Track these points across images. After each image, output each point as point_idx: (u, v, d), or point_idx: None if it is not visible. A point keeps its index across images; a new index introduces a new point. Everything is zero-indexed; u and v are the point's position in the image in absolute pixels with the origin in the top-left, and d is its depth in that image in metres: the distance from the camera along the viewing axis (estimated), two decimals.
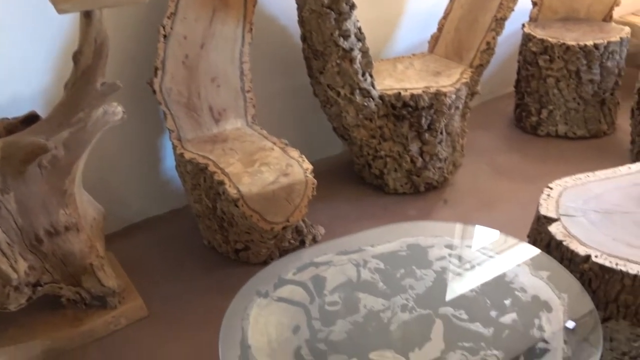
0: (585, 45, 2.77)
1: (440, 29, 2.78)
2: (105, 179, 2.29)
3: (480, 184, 2.67)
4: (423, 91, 2.36)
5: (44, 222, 1.74)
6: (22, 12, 1.92)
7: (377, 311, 1.38)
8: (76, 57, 1.65)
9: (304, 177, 2.02)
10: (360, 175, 2.70)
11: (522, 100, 3.06)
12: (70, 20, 1.99)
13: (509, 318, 1.35)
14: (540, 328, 1.31)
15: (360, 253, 1.59)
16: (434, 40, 2.80)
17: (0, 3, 1.87)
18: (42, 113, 1.83)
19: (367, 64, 2.28)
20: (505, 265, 1.52)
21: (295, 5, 2.25)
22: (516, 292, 1.42)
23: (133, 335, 1.92)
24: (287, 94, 2.64)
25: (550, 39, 2.82)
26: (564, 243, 1.52)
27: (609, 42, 2.79)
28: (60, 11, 1.49)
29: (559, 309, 1.36)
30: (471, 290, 1.44)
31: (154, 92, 2.12)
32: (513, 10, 2.50)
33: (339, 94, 2.33)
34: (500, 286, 1.45)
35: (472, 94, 2.60)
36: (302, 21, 2.26)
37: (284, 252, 2.19)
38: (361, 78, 2.27)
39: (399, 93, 2.35)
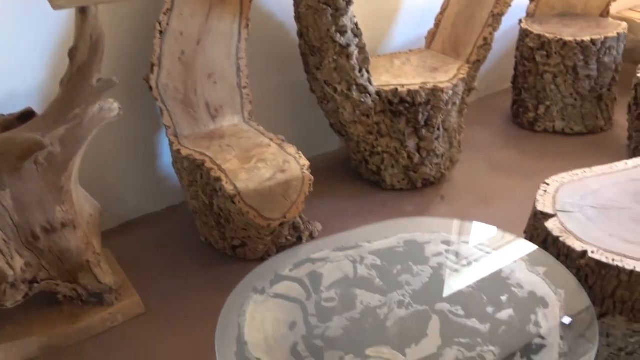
0: (583, 41, 2.77)
1: (437, 24, 2.78)
2: (101, 176, 2.28)
3: (477, 180, 2.67)
4: (420, 87, 2.35)
5: (40, 219, 1.74)
6: (18, 8, 1.91)
7: (373, 307, 1.38)
8: (72, 53, 1.64)
9: (301, 174, 2.02)
10: (357, 172, 2.70)
11: (519, 96, 3.06)
12: (65, 17, 1.99)
13: (505, 314, 1.35)
14: (537, 324, 1.32)
15: (357, 249, 1.59)
16: (431, 36, 2.80)
17: None
18: (38, 109, 1.83)
19: (364, 60, 2.28)
20: (502, 261, 1.52)
21: (291, 1, 2.25)
22: (513, 288, 1.42)
23: (130, 331, 1.92)
24: (284, 90, 2.64)
25: (547, 35, 2.82)
26: (561, 239, 1.52)
27: (606, 38, 2.79)
28: (55, 7, 1.48)
29: (556, 304, 1.36)
30: (468, 286, 1.44)
31: (150, 88, 2.11)
32: (510, 5, 2.50)
33: (335, 90, 2.32)
34: (496, 282, 1.45)
35: (469, 89, 2.60)
36: (298, 17, 2.26)
37: (281, 249, 2.19)
38: (358, 74, 2.27)
39: (396, 89, 2.35)
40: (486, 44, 2.54)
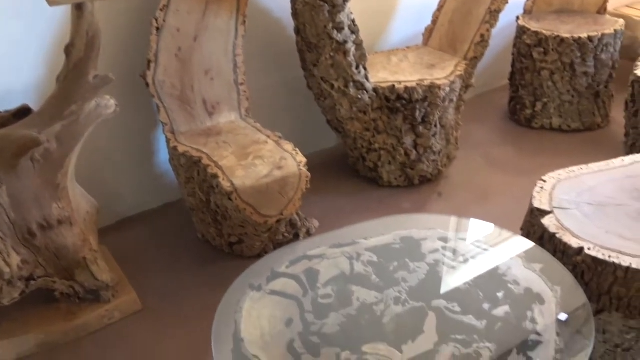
0: (580, 38, 2.77)
1: (434, 21, 2.78)
2: (98, 173, 2.28)
3: (474, 177, 2.68)
4: (417, 84, 2.35)
5: (37, 216, 1.73)
6: (14, 4, 1.91)
7: (370, 304, 1.38)
8: (68, 50, 1.64)
9: (298, 170, 2.02)
10: (354, 168, 2.70)
11: (517, 93, 3.06)
12: (62, 13, 1.98)
13: (501, 311, 1.35)
14: (533, 320, 1.32)
15: (354, 246, 1.59)
16: (428, 32, 2.80)
17: None
18: (35, 106, 1.82)
19: (361, 57, 2.28)
20: (499, 258, 1.53)
21: None
22: (509, 285, 1.43)
23: (127, 329, 1.91)
24: (281, 87, 2.64)
25: (544, 32, 2.82)
26: (557, 235, 1.52)
27: (603, 35, 2.79)
28: (51, 3, 1.48)
29: (552, 301, 1.36)
30: (464, 283, 1.44)
31: (147, 85, 2.11)
32: (507, 2, 2.50)
33: (332, 86, 2.32)
34: (493, 279, 1.45)
35: (466, 86, 2.60)
36: (295, 14, 2.25)
37: (278, 246, 2.19)
38: (355, 71, 2.27)
39: (393, 86, 2.35)
40: (483, 41, 2.54)
